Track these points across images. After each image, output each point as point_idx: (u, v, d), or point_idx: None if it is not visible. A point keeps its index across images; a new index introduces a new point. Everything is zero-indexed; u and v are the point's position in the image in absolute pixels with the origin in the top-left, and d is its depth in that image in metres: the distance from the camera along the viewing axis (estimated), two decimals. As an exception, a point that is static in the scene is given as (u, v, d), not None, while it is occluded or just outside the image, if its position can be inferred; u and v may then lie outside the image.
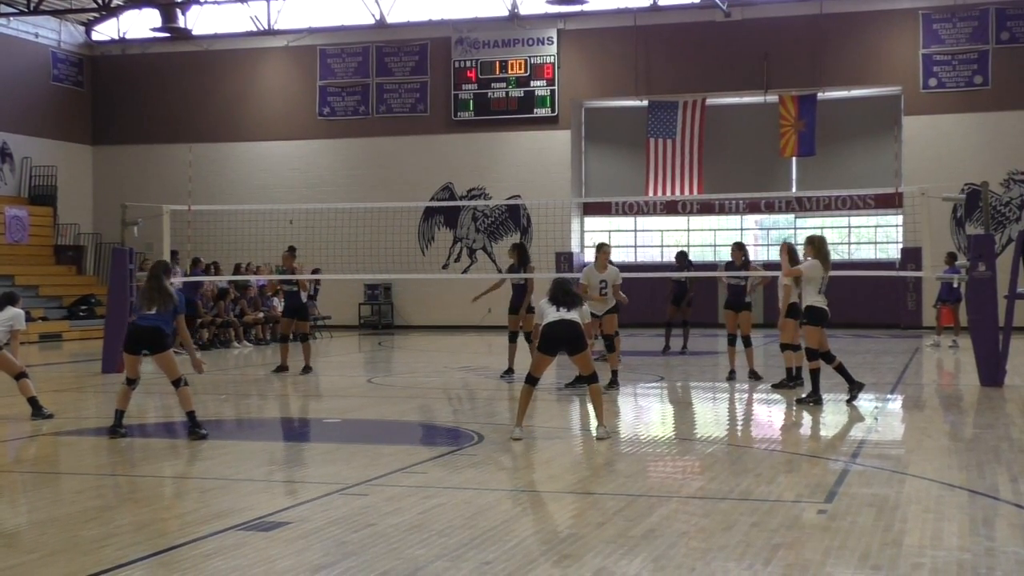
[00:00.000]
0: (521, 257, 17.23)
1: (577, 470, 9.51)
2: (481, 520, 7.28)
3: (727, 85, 31.08)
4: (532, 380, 10.89)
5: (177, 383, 11.03)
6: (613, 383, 14.91)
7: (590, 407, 11.19)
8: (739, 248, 16.62)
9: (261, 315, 26.49)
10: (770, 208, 31.94)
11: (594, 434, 10.76)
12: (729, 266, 16.75)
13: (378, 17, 33.00)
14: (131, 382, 11.18)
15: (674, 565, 6.21)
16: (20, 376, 12.64)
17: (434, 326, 31.55)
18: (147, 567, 6.25)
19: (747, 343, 16.50)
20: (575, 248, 31.93)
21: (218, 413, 13.76)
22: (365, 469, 9.09)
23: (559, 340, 10.69)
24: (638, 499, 7.96)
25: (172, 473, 9.43)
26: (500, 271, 17.86)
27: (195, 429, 10.87)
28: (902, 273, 26.36)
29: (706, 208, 32.19)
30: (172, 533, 7.18)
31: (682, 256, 22.69)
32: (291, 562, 6.30)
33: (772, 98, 30.58)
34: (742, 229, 32.50)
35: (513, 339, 17.08)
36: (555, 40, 31.93)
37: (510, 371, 16.89)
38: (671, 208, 32.44)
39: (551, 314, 10.72)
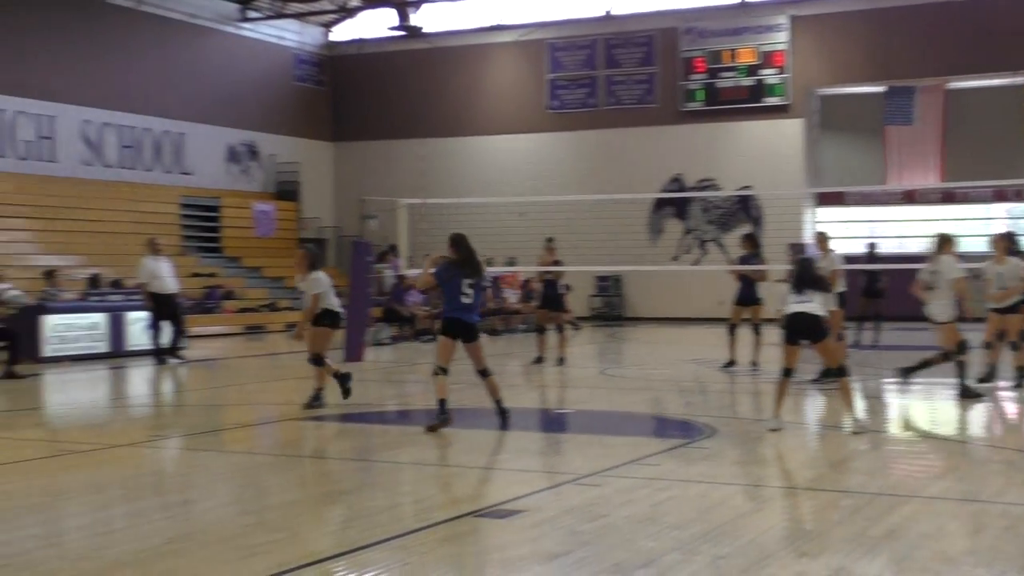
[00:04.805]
0: (753, 248, 17.09)
1: (813, 466, 9.29)
2: (714, 514, 7.19)
3: (971, 67, 29.67)
4: (787, 372, 10.67)
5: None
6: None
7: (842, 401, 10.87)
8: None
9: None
10: (1020, 197, 30.34)
11: (847, 429, 10.46)
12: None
13: (606, 9, 33.04)
14: None
15: (917, 568, 5.98)
16: None
17: (664, 318, 31.39)
18: (386, 550, 6.43)
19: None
20: (808, 239, 31.17)
21: (453, 402, 14.05)
22: (597, 460, 9.11)
23: (798, 330, 10.52)
24: (878, 498, 7.71)
25: (410, 460, 9.66)
26: (732, 263, 17.65)
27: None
28: None
29: (948, 197, 30.86)
30: (409, 518, 7.38)
31: (872, 247, 22.42)
32: (525, 550, 6.36)
33: (1020, 79, 29.04)
34: (989, 219, 31.01)
35: (732, 330, 16.96)
36: (787, 27, 31.23)
37: (731, 363, 16.77)
38: (910, 197, 31.28)
39: (791, 303, 10.54)
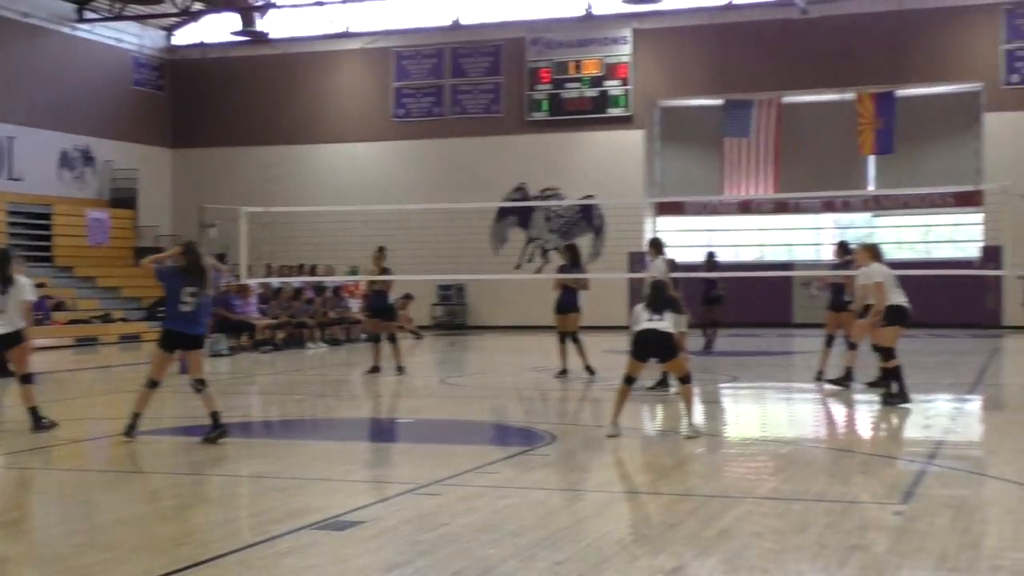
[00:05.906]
0: (573, 258, 17.40)
1: (649, 471, 9.46)
2: (553, 520, 7.27)
3: (804, 83, 30.75)
4: (629, 380, 10.88)
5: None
6: None
7: (681, 406, 11.10)
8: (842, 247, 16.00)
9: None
10: (847, 207, 31.51)
11: (683, 433, 10.70)
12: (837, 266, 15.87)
13: (452, 19, 33.15)
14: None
15: (747, 567, 6.15)
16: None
17: (507, 326, 31.57)
18: (223, 565, 6.31)
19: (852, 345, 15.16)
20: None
21: (293, 413, 13.90)
22: (438, 469, 9.11)
23: (649, 348, 10.74)
24: (711, 500, 7.90)
25: (247, 473, 9.52)
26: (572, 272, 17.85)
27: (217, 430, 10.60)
28: (982, 272, 25.91)
29: (781, 207, 31.84)
30: (247, 532, 7.26)
31: (711, 256, 23.34)
32: (365, 561, 6.33)
33: (850, 95, 30.19)
34: (819, 228, 32.12)
35: (563, 339, 16.92)
36: (630, 40, 31.81)
37: (564, 371, 16.86)
38: (746, 208, 32.17)
39: (644, 320, 10.73)
